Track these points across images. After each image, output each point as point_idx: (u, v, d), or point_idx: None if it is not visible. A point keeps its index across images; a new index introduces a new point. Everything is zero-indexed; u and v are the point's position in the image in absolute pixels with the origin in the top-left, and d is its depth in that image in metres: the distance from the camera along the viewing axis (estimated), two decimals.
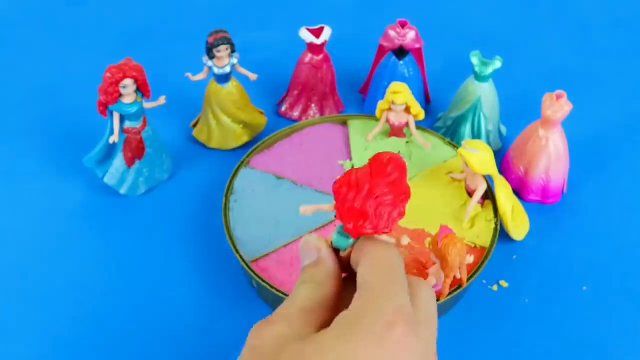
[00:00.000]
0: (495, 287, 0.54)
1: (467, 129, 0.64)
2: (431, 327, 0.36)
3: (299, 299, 0.35)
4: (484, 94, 0.62)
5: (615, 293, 0.54)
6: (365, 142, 0.61)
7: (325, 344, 0.32)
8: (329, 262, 0.37)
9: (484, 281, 0.55)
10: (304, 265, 0.37)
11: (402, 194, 0.34)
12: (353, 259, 0.37)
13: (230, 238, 0.52)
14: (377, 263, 0.35)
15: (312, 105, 0.68)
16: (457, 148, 0.59)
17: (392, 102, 0.59)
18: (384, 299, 0.33)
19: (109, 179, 0.60)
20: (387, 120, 0.60)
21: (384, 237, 0.36)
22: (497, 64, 0.61)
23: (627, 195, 0.62)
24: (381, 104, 0.60)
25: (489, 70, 0.61)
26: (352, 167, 0.59)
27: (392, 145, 0.61)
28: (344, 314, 0.33)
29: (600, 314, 0.53)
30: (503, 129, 0.67)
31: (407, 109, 0.59)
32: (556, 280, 0.55)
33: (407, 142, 0.62)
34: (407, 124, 0.60)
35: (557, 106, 0.57)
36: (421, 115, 0.60)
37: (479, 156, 0.53)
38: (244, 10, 0.84)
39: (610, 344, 0.51)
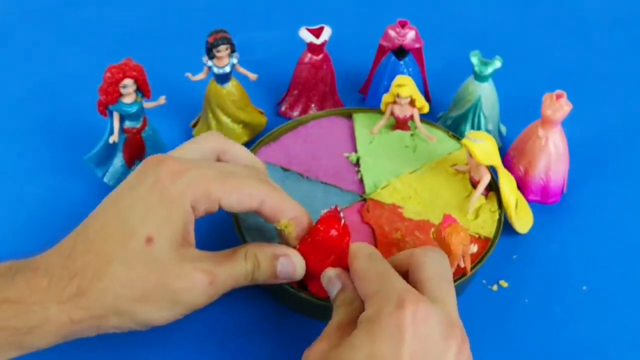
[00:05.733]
0: (495, 287, 0.55)
1: (467, 128, 0.64)
2: (445, 289, 0.41)
3: (336, 320, 0.42)
4: (484, 94, 0.63)
5: (615, 293, 0.54)
6: (370, 135, 0.62)
7: (354, 343, 0.38)
8: (352, 288, 0.43)
9: (484, 281, 0.55)
10: (333, 295, 0.44)
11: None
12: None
13: (239, 229, 0.53)
14: (364, 275, 0.42)
15: (312, 105, 0.68)
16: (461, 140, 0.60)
17: (397, 95, 0.59)
18: (385, 291, 0.39)
19: (109, 179, 0.60)
20: (392, 113, 0.61)
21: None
22: (497, 64, 0.61)
23: (627, 195, 0.62)
24: (386, 97, 0.60)
25: (489, 70, 0.61)
26: (358, 159, 0.60)
27: (397, 138, 0.62)
28: (361, 317, 0.39)
29: (600, 314, 0.53)
30: (503, 129, 0.67)
31: (411, 102, 0.60)
32: (556, 280, 0.55)
33: (411, 134, 0.62)
34: (411, 117, 0.61)
35: (557, 106, 0.57)
36: (426, 108, 0.60)
37: (482, 146, 0.53)
38: (244, 10, 0.84)
39: (610, 344, 0.51)
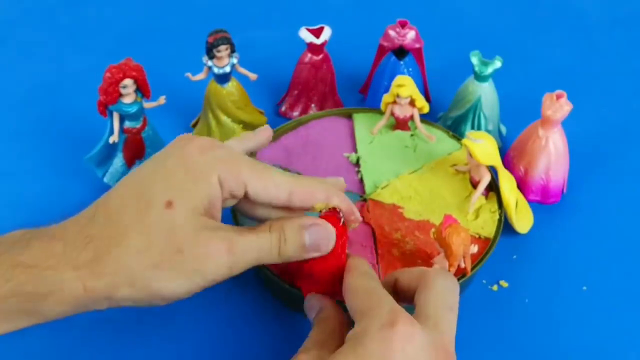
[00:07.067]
0: (495, 287, 0.55)
1: (467, 128, 0.64)
2: (443, 315, 0.40)
3: (313, 336, 0.42)
4: (484, 94, 0.63)
5: (615, 293, 0.54)
6: (370, 135, 0.62)
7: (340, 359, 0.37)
8: (329, 307, 0.44)
9: (484, 281, 0.55)
10: (312, 317, 0.44)
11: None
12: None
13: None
14: (355, 292, 0.41)
15: (312, 105, 0.68)
16: (461, 140, 0.60)
17: (397, 95, 0.59)
18: (376, 309, 0.38)
19: (109, 179, 0.60)
20: (392, 114, 0.61)
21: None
22: (497, 64, 0.61)
23: (627, 195, 0.62)
24: (386, 97, 0.61)
25: (489, 70, 0.61)
26: (358, 159, 0.60)
27: (397, 138, 0.62)
28: (349, 334, 0.39)
29: (600, 314, 0.53)
30: (503, 129, 0.67)
31: (411, 102, 0.60)
32: (556, 280, 0.55)
33: (411, 134, 0.62)
34: (412, 117, 0.61)
35: (557, 106, 0.57)
36: (426, 108, 0.60)
37: (482, 147, 0.53)
38: (244, 10, 0.84)
39: (610, 344, 0.51)
